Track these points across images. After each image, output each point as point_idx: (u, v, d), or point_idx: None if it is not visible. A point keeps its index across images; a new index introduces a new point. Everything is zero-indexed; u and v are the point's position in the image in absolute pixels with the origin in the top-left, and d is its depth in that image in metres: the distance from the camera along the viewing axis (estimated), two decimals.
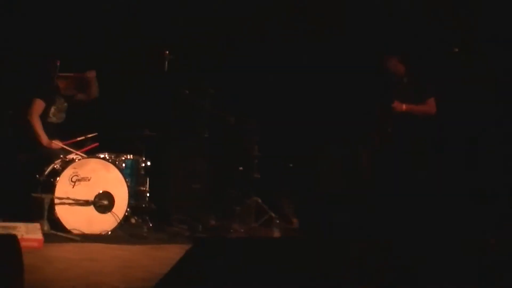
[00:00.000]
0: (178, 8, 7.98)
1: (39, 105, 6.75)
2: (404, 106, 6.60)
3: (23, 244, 3.74)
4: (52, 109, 6.89)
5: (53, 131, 6.80)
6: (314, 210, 7.50)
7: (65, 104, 6.99)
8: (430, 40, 7.23)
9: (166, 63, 6.74)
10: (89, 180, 6.43)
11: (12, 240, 3.70)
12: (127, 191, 6.61)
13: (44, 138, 6.66)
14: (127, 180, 6.66)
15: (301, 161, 8.06)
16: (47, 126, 6.78)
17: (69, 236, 6.05)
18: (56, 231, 6.06)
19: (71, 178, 6.35)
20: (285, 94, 8.20)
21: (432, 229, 6.30)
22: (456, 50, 6.38)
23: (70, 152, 6.65)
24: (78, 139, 6.88)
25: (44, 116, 6.80)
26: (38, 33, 7.27)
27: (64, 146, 6.68)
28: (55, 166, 6.49)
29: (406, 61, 6.80)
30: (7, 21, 6.96)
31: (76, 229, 6.21)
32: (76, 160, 6.44)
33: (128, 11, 7.77)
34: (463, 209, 6.64)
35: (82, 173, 6.40)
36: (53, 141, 6.66)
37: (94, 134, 6.94)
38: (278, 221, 7.21)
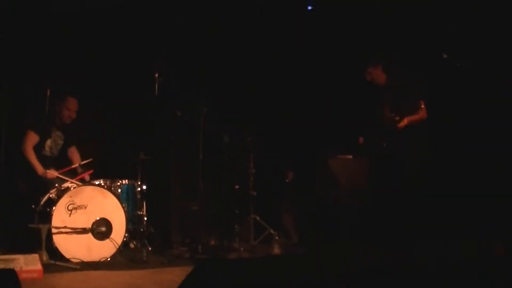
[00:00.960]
0: (165, 31, 8.01)
1: (31, 137, 6.77)
2: (405, 121, 6.50)
3: (22, 276, 3.73)
4: (48, 142, 6.91)
5: (49, 163, 6.82)
6: (315, 223, 7.50)
7: (61, 142, 7.00)
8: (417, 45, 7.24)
9: (156, 85, 6.72)
10: (85, 207, 6.40)
11: (10, 275, 3.68)
12: (124, 216, 6.58)
13: (39, 168, 6.67)
14: (123, 205, 6.63)
15: (299, 174, 8.08)
16: (42, 158, 6.81)
17: (68, 265, 6.01)
18: (55, 260, 6.02)
19: (68, 207, 6.32)
20: (278, 109, 8.23)
21: (435, 235, 6.30)
22: (445, 56, 6.34)
23: (66, 181, 6.63)
24: (73, 166, 6.89)
25: (39, 148, 6.83)
26: (29, 61, 7.26)
27: (60, 175, 6.67)
28: (51, 196, 6.46)
29: (388, 69, 6.80)
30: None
31: (75, 258, 6.17)
32: (72, 188, 6.41)
33: (116, 36, 7.78)
34: (468, 213, 6.64)
35: (78, 201, 6.37)
36: (48, 171, 6.65)
37: (88, 160, 6.94)
38: (277, 237, 7.18)
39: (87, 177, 6.85)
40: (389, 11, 7.66)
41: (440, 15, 7.27)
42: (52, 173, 6.66)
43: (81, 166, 7.01)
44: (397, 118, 6.50)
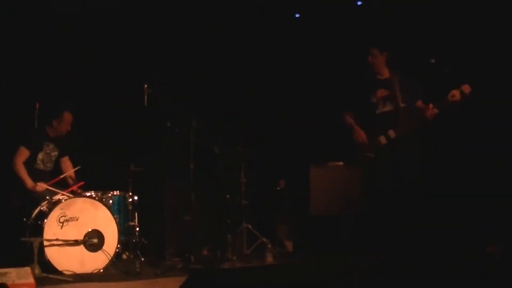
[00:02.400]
0: (155, 42, 8.02)
1: (22, 152, 6.80)
2: (436, 110, 6.06)
3: None
4: (40, 156, 6.92)
5: (42, 177, 6.82)
6: (308, 232, 7.50)
7: (55, 153, 7.01)
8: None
9: (145, 97, 6.73)
10: (77, 219, 6.39)
11: None
12: (116, 228, 6.56)
13: (28, 182, 6.70)
14: (115, 216, 6.62)
15: (291, 183, 8.09)
16: (35, 172, 6.83)
17: (61, 277, 5.99)
18: (48, 273, 6.00)
19: (59, 219, 6.30)
20: (269, 117, 8.25)
21: (434, 239, 6.28)
22: (433, 61, 6.27)
23: (57, 193, 6.62)
24: (61, 176, 6.88)
25: (31, 162, 6.85)
26: (18, 74, 7.27)
27: (49, 188, 6.66)
28: (42, 208, 6.45)
29: (391, 63, 6.48)
30: None
31: (68, 270, 6.16)
32: (63, 201, 6.39)
33: (106, 48, 7.79)
34: (466, 217, 6.62)
35: (69, 213, 6.36)
36: (38, 184, 6.65)
37: (77, 168, 6.96)
38: (270, 246, 7.18)
39: (77, 188, 6.83)
40: (388, 12, 7.67)
41: (439, 16, 7.24)
42: (42, 186, 6.66)
43: (71, 177, 7.00)
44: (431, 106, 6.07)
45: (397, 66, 6.46)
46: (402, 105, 6.23)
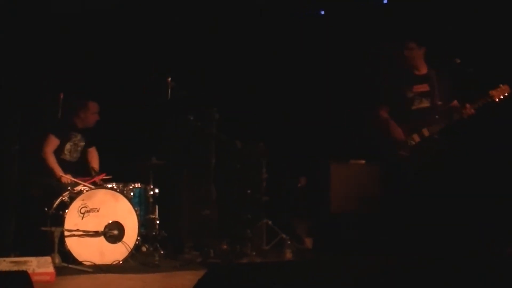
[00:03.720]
0: (178, 35, 8.03)
1: (52, 141, 6.87)
2: (473, 110, 5.99)
3: (35, 278, 3.75)
4: (68, 146, 6.97)
5: (67, 167, 6.88)
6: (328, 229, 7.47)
7: (82, 143, 7.04)
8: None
9: (169, 90, 6.73)
10: (98, 211, 6.42)
11: (23, 276, 3.69)
12: (136, 220, 6.58)
13: (57, 172, 6.77)
14: (136, 209, 6.64)
15: (312, 180, 8.06)
16: (61, 162, 6.89)
17: (81, 268, 6.03)
18: (68, 263, 6.04)
19: (80, 210, 6.34)
20: (291, 114, 8.23)
21: (446, 240, 6.23)
22: (458, 61, 6.20)
23: (78, 184, 6.66)
24: (90, 180, 6.82)
25: (58, 152, 6.91)
26: (42, 66, 7.30)
27: (74, 180, 6.71)
28: (64, 199, 6.49)
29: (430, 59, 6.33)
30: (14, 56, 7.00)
31: (87, 261, 6.19)
32: (84, 192, 6.43)
33: (130, 42, 7.81)
34: (479, 218, 6.56)
35: (90, 204, 6.39)
36: (63, 176, 6.74)
37: (108, 177, 6.93)
38: (289, 242, 7.16)
39: (99, 180, 6.86)
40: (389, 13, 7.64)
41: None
42: (68, 178, 6.71)
43: (94, 168, 7.03)
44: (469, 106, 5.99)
45: (435, 62, 6.31)
46: (439, 102, 6.13)
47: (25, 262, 5.45)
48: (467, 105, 5.98)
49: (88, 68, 7.62)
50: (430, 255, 5.45)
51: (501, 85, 5.90)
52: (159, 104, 7.18)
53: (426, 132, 6.13)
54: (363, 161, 7.42)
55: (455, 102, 6.20)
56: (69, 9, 7.37)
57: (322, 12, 8.55)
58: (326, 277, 4.03)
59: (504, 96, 5.91)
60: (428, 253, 5.85)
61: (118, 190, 6.70)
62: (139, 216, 6.64)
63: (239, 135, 7.24)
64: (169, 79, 6.75)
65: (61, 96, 7.06)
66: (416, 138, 6.17)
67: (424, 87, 6.22)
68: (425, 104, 6.20)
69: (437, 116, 6.09)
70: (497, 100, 5.91)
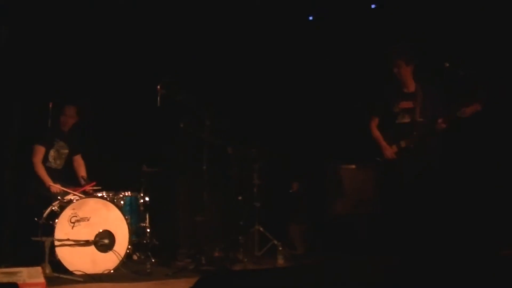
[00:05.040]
0: (169, 42, 8.01)
1: (38, 151, 6.88)
2: (443, 125, 6.28)
3: None
4: (52, 153, 6.96)
5: (54, 175, 6.87)
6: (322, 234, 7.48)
7: (66, 151, 7.02)
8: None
9: (159, 97, 6.71)
10: (88, 220, 6.38)
11: None
12: (127, 228, 6.55)
13: (46, 181, 6.77)
14: (126, 217, 6.61)
15: (305, 185, 8.06)
16: (47, 170, 6.88)
17: (72, 277, 5.98)
18: (59, 273, 5.99)
19: (70, 219, 6.30)
20: (282, 119, 8.23)
21: (446, 242, 6.27)
22: (447, 65, 6.28)
23: (68, 193, 6.63)
24: (79, 190, 6.82)
25: (44, 160, 6.92)
26: (32, 74, 7.27)
27: (64, 189, 6.68)
28: (54, 208, 6.45)
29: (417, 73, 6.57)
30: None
31: (78, 270, 6.15)
32: (74, 201, 6.39)
33: (119, 49, 7.79)
34: (479, 221, 6.60)
35: (81, 214, 6.35)
36: (52, 185, 6.72)
37: (92, 184, 6.91)
38: (281, 248, 7.15)
39: (89, 189, 6.82)
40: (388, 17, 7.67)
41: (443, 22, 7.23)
42: (57, 188, 6.68)
43: (83, 177, 7.00)
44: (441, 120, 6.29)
45: (424, 79, 6.55)
46: (419, 119, 6.41)
47: (15, 273, 5.38)
48: (439, 121, 6.29)
49: (78, 77, 7.59)
50: (425, 257, 5.46)
51: (474, 103, 6.15)
52: (149, 111, 7.16)
53: (403, 144, 6.47)
54: (354, 166, 7.49)
55: (439, 120, 6.35)
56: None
57: (310, 18, 8.55)
58: (321, 283, 4.02)
59: (475, 112, 6.18)
60: (424, 255, 5.88)
61: (108, 199, 6.67)
62: (130, 225, 6.61)
63: (230, 141, 7.22)
64: (159, 86, 6.72)
65: (50, 106, 7.03)
66: (394, 148, 6.53)
67: (408, 104, 6.51)
68: (407, 119, 6.50)
69: (415, 133, 6.40)
70: (466, 116, 6.19)
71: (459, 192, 6.77)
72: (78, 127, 7.17)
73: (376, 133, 6.66)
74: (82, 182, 6.93)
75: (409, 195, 6.28)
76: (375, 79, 7.19)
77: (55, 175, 6.90)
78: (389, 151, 6.51)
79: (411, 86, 6.56)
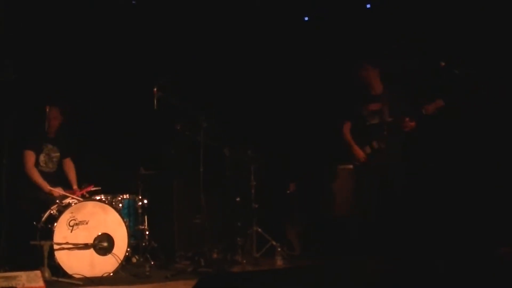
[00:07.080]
0: (165, 45, 8.02)
1: (28, 156, 6.84)
2: (411, 123, 6.48)
3: None
4: (42, 157, 6.94)
5: (46, 179, 6.84)
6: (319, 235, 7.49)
7: (57, 154, 7.01)
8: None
9: (155, 100, 6.72)
10: (87, 223, 6.39)
11: None
12: (126, 231, 6.56)
13: (45, 187, 6.74)
14: (125, 220, 6.61)
15: (302, 186, 8.07)
16: (41, 175, 6.83)
17: (71, 281, 5.99)
18: (58, 277, 6.00)
19: (69, 223, 6.30)
20: (279, 121, 8.23)
21: (443, 240, 6.31)
22: (443, 64, 6.33)
23: (66, 197, 6.63)
24: (78, 193, 6.83)
25: (36, 165, 6.88)
26: (28, 79, 7.27)
27: (64, 193, 6.68)
28: (52, 212, 6.45)
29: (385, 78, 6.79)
30: None
31: (77, 274, 6.15)
32: (73, 204, 6.39)
33: (116, 50, 7.79)
34: (476, 218, 6.64)
35: (79, 217, 6.36)
36: (53, 189, 6.71)
37: (90, 186, 6.91)
38: (280, 249, 7.16)
39: (86, 192, 6.84)
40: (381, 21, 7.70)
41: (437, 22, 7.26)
42: (58, 192, 6.69)
43: (80, 186, 7.00)
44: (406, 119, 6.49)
45: (391, 81, 6.78)
46: (388, 119, 6.63)
47: (14, 277, 5.40)
48: (406, 119, 6.48)
49: (74, 79, 7.59)
50: (425, 257, 5.48)
51: (436, 100, 6.36)
52: (145, 114, 7.16)
53: (375, 145, 6.68)
54: (351, 166, 7.48)
55: (406, 119, 6.53)
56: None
57: (306, 18, 8.56)
58: (319, 284, 4.03)
59: (437, 109, 6.39)
60: (421, 255, 5.91)
61: (106, 202, 6.67)
62: (128, 227, 6.62)
63: (227, 143, 7.23)
64: (155, 89, 6.73)
65: (47, 109, 7.01)
66: (368, 149, 6.73)
67: (376, 106, 6.72)
68: (376, 120, 6.70)
69: (385, 132, 6.60)
70: (430, 113, 6.41)
71: (451, 191, 6.85)
72: (66, 129, 7.14)
73: (348, 137, 6.84)
74: (74, 186, 6.93)
75: (394, 196, 6.48)
76: (346, 83, 7.29)
77: (50, 178, 6.88)
78: (361, 154, 6.70)
79: (378, 88, 6.76)
